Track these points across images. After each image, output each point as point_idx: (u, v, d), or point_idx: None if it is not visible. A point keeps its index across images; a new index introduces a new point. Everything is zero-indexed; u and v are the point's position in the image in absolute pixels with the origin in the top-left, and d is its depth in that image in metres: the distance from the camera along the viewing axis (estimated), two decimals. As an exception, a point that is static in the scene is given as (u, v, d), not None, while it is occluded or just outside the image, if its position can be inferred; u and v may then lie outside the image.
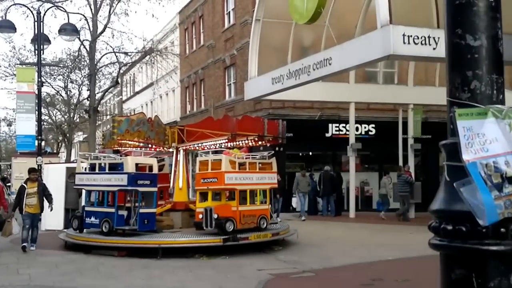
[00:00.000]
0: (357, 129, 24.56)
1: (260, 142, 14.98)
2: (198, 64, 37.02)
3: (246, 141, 14.76)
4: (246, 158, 14.90)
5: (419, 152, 24.25)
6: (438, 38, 13.92)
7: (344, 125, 25.31)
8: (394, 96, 23.60)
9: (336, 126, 25.51)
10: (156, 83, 42.89)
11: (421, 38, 13.95)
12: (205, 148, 16.14)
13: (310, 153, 26.69)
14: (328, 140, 25.47)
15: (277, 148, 14.69)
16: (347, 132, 25.05)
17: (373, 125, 25.68)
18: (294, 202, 19.24)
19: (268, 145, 16.67)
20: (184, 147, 15.87)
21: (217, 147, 15.99)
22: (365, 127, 25.51)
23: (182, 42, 40.70)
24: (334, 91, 22.62)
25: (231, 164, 14.00)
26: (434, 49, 14.13)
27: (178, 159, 15.67)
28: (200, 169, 14.23)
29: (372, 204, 25.95)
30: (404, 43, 13.84)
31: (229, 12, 32.90)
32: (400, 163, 23.99)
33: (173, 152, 15.87)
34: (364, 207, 24.93)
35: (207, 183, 13.89)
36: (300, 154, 26.33)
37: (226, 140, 14.70)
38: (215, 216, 13.30)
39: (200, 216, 13.55)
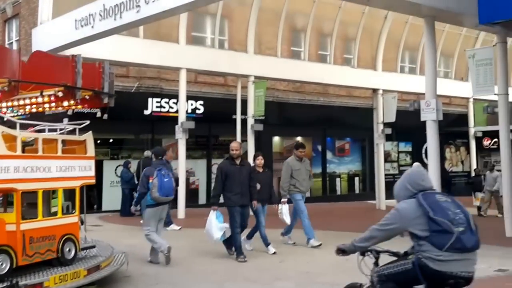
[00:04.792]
0: (182, 106, 17.71)
1: (67, 102, 7.42)
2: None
3: (37, 99, 7.11)
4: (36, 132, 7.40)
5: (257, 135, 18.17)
6: None
7: (167, 100, 18.31)
8: (233, 65, 17.26)
9: (157, 102, 18.34)
10: None
11: None
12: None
13: (123, 137, 19.09)
14: (146, 119, 18.22)
15: (99, 115, 7.12)
16: (170, 110, 18.23)
17: (201, 102, 19.01)
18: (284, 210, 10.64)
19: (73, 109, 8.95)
20: None
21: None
22: (192, 104, 18.71)
23: None
24: (160, 52, 15.61)
25: (6, 141, 6.46)
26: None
27: None
28: None
29: (199, 199, 19.35)
30: None
31: None
32: (238, 148, 17.81)
33: None
34: (189, 203, 17.85)
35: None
36: (110, 138, 18.62)
37: (-4, 95, 6.88)
38: (-31, 246, 5.72)
39: None
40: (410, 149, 25.58)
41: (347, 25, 20.59)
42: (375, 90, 20.47)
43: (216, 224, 9.12)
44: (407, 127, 21.79)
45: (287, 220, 10.59)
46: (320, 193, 22.55)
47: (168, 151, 14.21)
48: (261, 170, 10.22)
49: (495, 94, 13.34)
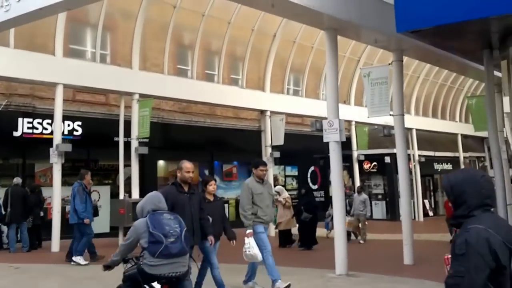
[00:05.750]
0: (58, 127, 15.77)
1: None
2: None
3: None
4: None
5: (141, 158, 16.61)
6: None
7: (40, 120, 16.20)
8: (116, 81, 15.69)
9: (29, 122, 16.14)
10: None
11: None
12: None
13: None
14: (16, 142, 15.99)
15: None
16: (44, 131, 16.20)
17: (80, 123, 17.08)
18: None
19: None
20: None
21: None
22: (69, 125, 16.73)
23: None
24: (34, 64, 13.74)
25: None
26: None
27: None
28: None
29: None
30: None
31: None
32: (121, 172, 16.24)
33: None
34: (65, 234, 15.65)
35: None
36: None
37: None
38: None
39: None
40: (296, 173, 25.21)
41: (236, 44, 19.83)
42: (262, 112, 19.82)
43: None
44: (293, 150, 21.36)
45: (259, 255, 8.18)
46: (207, 220, 21.28)
47: (86, 175, 12.28)
48: (212, 198, 8.11)
49: (390, 115, 13.02)
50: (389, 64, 13.67)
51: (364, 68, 14.35)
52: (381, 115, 13.43)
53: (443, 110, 30.57)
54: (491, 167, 36.34)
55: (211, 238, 7.41)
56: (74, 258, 11.66)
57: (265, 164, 8.89)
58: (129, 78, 15.86)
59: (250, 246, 8.13)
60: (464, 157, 31.91)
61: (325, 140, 10.96)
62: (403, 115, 12.74)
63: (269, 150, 19.18)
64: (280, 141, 18.81)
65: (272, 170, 19.80)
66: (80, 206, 11.70)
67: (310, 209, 14.84)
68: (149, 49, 17.53)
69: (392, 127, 22.17)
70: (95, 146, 17.20)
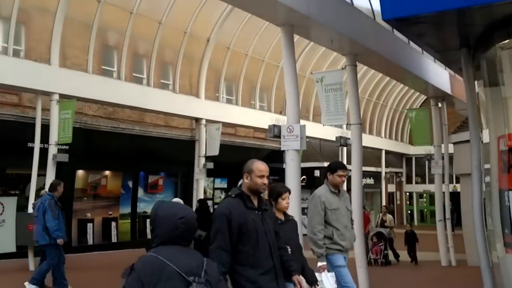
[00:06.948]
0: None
1: None
2: None
3: None
4: None
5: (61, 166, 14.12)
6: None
7: None
8: (31, 79, 13.19)
9: None
10: None
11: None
12: None
13: None
14: None
15: None
16: None
17: (-12, 126, 14.40)
18: None
19: None
20: None
21: None
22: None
23: None
24: None
25: None
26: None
27: None
28: None
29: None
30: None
31: None
32: (33, 182, 13.60)
33: None
34: None
35: None
36: None
37: None
38: None
39: None
40: (225, 185, 23.30)
41: (167, 46, 17.79)
42: (198, 120, 17.87)
43: None
44: (224, 162, 19.45)
45: None
46: (128, 238, 18.86)
47: (59, 186, 9.38)
48: (283, 218, 5.11)
49: (348, 124, 11.57)
50: (343, 68, 12.27)
51: (316, 72, 12.76)
52: (337, 123, 11.98)
53: (370, 125, 29.94)
54: (407, 182, 36.26)
55: (297, 278, 4.28)
56: (27, 286, 9.04)
57: (345, 168, 6.19)
58: (47, 76, 13.44)
59: (323, 285, 5.40)
60: (385, 172, 31.58)
61: (282, 148, 9.26)
62: (361, 124, 11.32)
63: (203, 160, 17.28)
64: (215, 151, 17.04)
65: (202, 182, 17.88)
66: (52, 223, 8.95)
67: (204, 225, 12.88)
68: (70, 47, 15.20)
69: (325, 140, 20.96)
70: (3, 152, 14.51)
